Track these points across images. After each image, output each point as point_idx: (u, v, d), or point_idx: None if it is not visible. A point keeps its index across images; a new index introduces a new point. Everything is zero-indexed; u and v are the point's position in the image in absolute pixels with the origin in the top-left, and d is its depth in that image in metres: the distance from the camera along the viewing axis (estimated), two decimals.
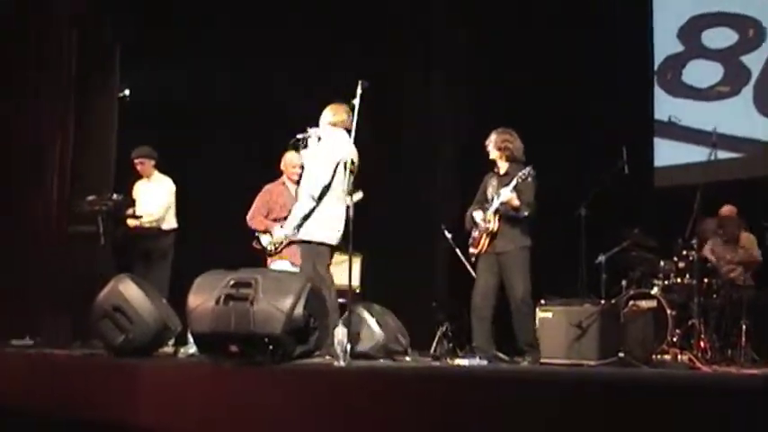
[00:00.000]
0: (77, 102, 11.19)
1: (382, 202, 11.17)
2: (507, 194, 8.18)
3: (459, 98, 13.19)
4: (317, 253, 7.60)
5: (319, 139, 7.82)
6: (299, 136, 8.00)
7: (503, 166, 8.47)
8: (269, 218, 9.16)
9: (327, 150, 7.72)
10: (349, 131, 7.64)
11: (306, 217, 7.65)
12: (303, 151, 7.98)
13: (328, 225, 7.60)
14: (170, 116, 11.49)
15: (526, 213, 8.19)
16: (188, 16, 11.69)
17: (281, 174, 9.31)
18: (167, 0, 11.70)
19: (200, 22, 11.78)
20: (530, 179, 8.20)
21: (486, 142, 8.54)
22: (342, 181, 7.59)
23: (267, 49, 11.93)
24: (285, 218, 8.63)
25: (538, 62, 11.83)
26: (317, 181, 7.63)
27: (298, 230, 7.71)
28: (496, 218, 8.26)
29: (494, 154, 8.52)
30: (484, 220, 8.34)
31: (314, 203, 7.60)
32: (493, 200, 8.32)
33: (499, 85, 12.09)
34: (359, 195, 8.05)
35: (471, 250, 8.51)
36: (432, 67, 13.34)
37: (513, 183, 8.19)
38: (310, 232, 7.63)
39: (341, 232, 7.59)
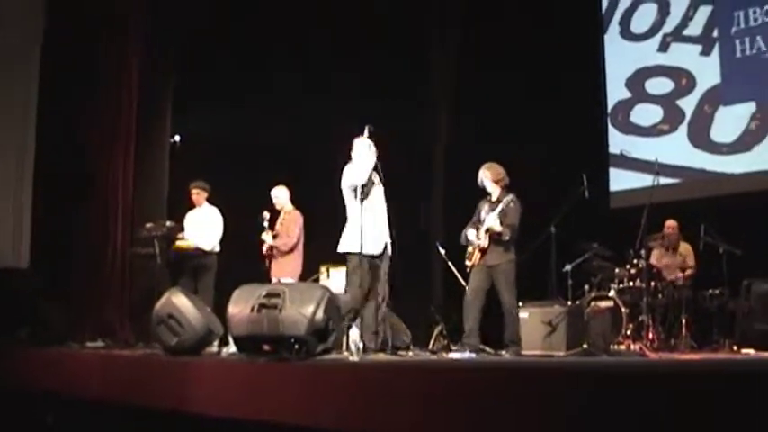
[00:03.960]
0: (137, 149, 11.28)
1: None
2: (491, 222, 8.19)
3: (448, 139, 13.22)
4: None
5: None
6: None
7: (494, 194, 8.44)
8: None
9: None
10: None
11: None
12: None
13: None
14: (217, 157, 11.39)
15: (507, 238, 8.17)
16: (230, 64, 11.66)
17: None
18: (209, 53, 11.67)
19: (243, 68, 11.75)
20: (512, 205, 8.22)
21: (480, 174, 8.51)
22: None
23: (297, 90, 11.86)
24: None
25: (516, 107, 11.80)
26: None
27: None
28: (487, 236, 8.24)
29: (486, 184, 8.48)
30: (477, 237, 8.33)
31: None
32: (485, 221, 8.32)
33: (485, 125, 12.03)
34: None
35: (467, 263, 8.46)
36: (430, 105, 13.36)
37: (500, 208, 8.20)
38: None
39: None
